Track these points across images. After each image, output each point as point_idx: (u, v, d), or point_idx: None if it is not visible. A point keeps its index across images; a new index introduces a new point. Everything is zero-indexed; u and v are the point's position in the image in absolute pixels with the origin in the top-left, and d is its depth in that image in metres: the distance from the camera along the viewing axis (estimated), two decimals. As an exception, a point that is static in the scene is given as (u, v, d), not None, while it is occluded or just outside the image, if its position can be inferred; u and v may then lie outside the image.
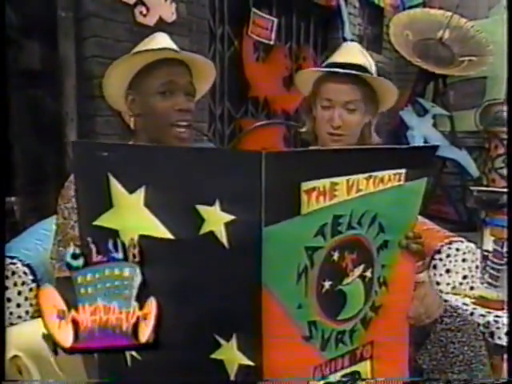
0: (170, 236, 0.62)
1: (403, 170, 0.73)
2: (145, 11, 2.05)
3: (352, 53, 1.26)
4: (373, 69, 1.24)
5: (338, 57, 1.25)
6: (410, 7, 3.96)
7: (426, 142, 3.45)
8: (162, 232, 0.62)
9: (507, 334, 1.21)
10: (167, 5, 2.15)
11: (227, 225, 0.59)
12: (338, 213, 0.65)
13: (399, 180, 0.72)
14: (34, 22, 1.90)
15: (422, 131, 3.42)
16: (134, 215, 0.64)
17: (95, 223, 0.67)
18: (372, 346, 0.78)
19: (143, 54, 1.06)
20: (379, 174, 0.69)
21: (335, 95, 1.18)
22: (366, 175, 0.68)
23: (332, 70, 1.20)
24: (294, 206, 0.60)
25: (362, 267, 0.71)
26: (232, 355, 0.61)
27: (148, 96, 1.05)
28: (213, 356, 0.62)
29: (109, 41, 1.96)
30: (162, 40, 1.11)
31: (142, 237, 0.63)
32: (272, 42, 2.97)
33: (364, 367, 0.77)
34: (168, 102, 1.04)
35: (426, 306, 0.89)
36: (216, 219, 0.59)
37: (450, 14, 3.50)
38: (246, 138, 2.78)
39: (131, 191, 0.63)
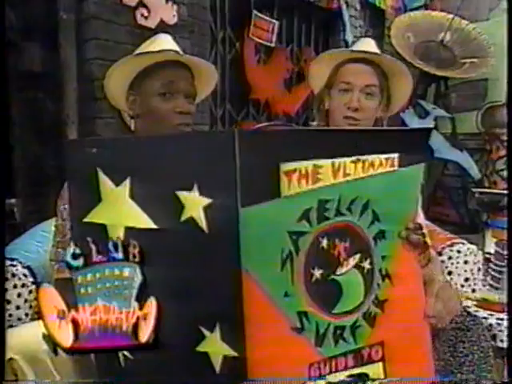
0: (153, 226, 0.62)
1: (395, 155, 0.70)
2: (146, 13, 2.05)
3: (369, 44, 1.30)
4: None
5: (356, 47, 1.30)
6: (412, 9, 3.96)
7: (427, 144, 3.45)
8: (147, 222, 0.63)
9: (508, 334, 1.20)
10: (168, 7, 2.15)
11: (205, 209, 0.58)
12: (324, 197, 0.63)
13: (392, 165, 0.70)
14: (35, 24, 1.90)
15: (423, 133, 3.42)
16: (120, 208, 0.65)
17: (85, 220, 0.67)
18: (383, 347, 0.73)
19: (145, 56, 1.06)
20: (369, 157, 0.67)
21: (355, 78, 1.20)
22: (354, 158, 0.65)
23: (353, 50, 1.25)
24: (274, 187, 0.59)
25: (357, 257, 0.69)
26: (216, 347, 0.59)
27: (149, 97, 1.05)
28: (198, 348, 0.60)
29: (110, 43, 1.96)
30: (164, 41, 1.12)
31: (128, 229, 0.64)
32: (273, 45, 2.97)
33: (376, 369, 0.73)
34: (168, 103, 1.04)
35: (443, 301, 0.86)
36: (195, 204, 0.59)
37: (451, 16, 3.50)
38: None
39: (117, 184, 0.65)
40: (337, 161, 0.63)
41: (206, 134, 0.60)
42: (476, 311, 1.34)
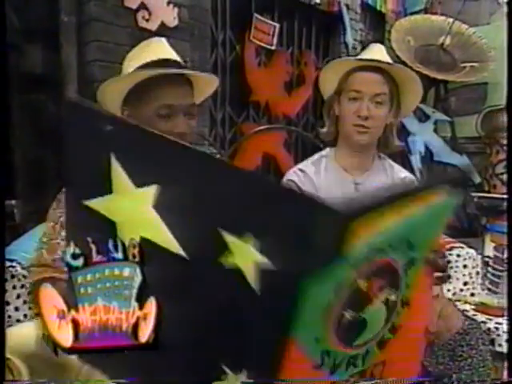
0: (181, 253, 0.54)
1: (445, 187, 0.66)
2: (147, 16, 2.06)
3: (379, 51, 1.29)
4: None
5: (365, 54, 1.29)
6: (412, 13, 3.97)
7: (427, 147, 3.46)
8: (172, 245, 0.55)
9: (508, 334, 1.20)
10: (169, 10, 2.15)
11: (258, 265, 0.51)
12: (374, 241, 0.57)
13: (438, 197, 0.66)
14: (36, 26, 1.91)
15: (423, 137, 3.43)
16: (138, 214, 0.56)
17: (87, 203, 0.59)
18: (384, 365, 0.72)
19: (139, 72, 0.98)
20: (423, 193, 0.63)
21: (365, 86, 1.20)
22: (412, 197, 0.60)
23: (362, 59, 1.24)
24: (338, 248, 0.52)
25: (388, 291, 0.65)
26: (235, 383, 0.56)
27: (145, 116, 0.98)
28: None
29: (111, 45, 1.96)
30: (159, 48, 1.04)
31: (144, 240, 0.57)
32: (274, 47, 2.97)
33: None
34: (167, 124, 0.98)
35: (444, 319, 0.88)
36: (246, 256, 0.51)
37: (451, 20, 3.51)
38: (247, 143, 2.79)
39: (139, 185, 0.56)
40: (397, 203, 0.58)
41: (287, 188, 0.52)
42: (474, 315, 1.34)
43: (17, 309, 1.15)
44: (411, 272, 0.69)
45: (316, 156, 1.34)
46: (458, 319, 0.91)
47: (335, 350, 0.62)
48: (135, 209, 0.56)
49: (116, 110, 1.04)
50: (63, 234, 0.94)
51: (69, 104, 0.59)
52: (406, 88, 1.25)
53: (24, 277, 1.16)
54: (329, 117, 1.31)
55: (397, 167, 1.35)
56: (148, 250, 0.57)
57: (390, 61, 1.25)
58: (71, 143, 0.60)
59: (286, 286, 0.50)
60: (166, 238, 0.55)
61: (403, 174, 1.34)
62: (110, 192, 0.57)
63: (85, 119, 0.57)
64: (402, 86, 1.24)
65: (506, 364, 1.21)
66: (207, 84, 1.13)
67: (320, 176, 1.28)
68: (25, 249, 1.25)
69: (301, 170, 1.30)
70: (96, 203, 0.59)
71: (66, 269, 0.75)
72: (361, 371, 0.69)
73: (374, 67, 1.20)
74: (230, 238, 0.51)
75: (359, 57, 1.31)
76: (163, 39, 1.09)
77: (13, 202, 1.51)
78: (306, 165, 1.32)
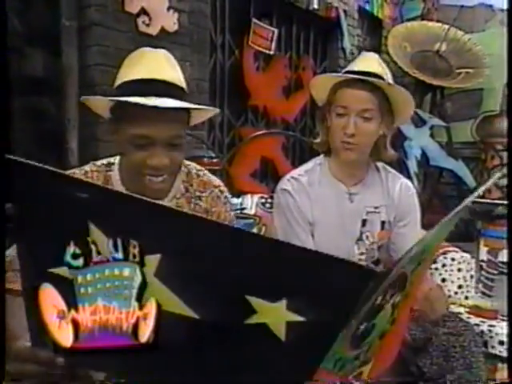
0: (192, 315, 0.53)
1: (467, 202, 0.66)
2: (147, 21, 2.08)
3: (369, 62, 1.24)
4: (389, 78, 1.22)
5: (355, 65, 1.23)
6: (408, 19, 4.01)
7: (423, 152, 3.49)
8: (181, 308, 0.53)
9: (508, 336, 1.22)
10: (169, 15, 2.18)
11: (291, 323, 0.51)
12: (400, 265, 0.58)
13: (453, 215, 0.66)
14: (38, 30, 1.93)
15: (419, 142, 3.46)
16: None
17: (53, 271, 0.56)
18: (380, 349, 0.73)
19: (116, 98, 0.88)
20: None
21: (351, 102, 1.16)
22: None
23: (348, 76, 1.18)
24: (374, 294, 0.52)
25: (397, 295, 0.66)
26: None
27: (121, 137, 0.90)
28: None
29: (111, 49, 1.98)
30: (150, 65, 0.90)
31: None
32: (272, 52, 3.00)
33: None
34: (141, 154, 0.88)
35: (430, 301, 0.88)
36: (277, 316, 0.51)
37: (447, 26, 3.55)
38: (245, 147, 2.81)
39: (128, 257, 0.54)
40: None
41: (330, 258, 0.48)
42: (468, 318, 1.36)
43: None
44: (416, 271, 0.70)
45: (310, 164, 1.32)
46: (443, 304, 0.92)
47: (346, 355, 0.63)
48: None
49: (104, 114, 0.97)
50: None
51: (37, 170, 0.52)
52: (397, 101, 1.21)
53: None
54: (322, 126, 1.28)
55: (392, 175, 1.33)
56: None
57: (380, 72, 1.20)
58: (38, 209, 0.56)
59: (320, 337, 0.50)
60: (176, 304, 0.53)
61: (399, 181, 1.32)
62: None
63: (57, 186, 0.53)
64: (392, 98, 1.21)
65: (501, 365, 1.24)
66: (202, 114, 1.03)
67: (314, 186, 1.26)
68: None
69: (294, 178, 1.28)
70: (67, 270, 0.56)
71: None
72: (362, 362, 0.70)
73: (363, 81, 1.16)
74: (258, 303, 0.50)
75: (348, 68, 1.25)
76: (163, 52, 0.95)
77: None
78: (301, 173, 1.29)
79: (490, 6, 3.82)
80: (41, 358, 0.57)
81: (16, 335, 0.66)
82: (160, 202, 0.53)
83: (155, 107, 0.83)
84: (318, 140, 1.31)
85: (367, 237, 1.26)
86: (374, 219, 1.27)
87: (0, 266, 0.94)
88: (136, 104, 0.84)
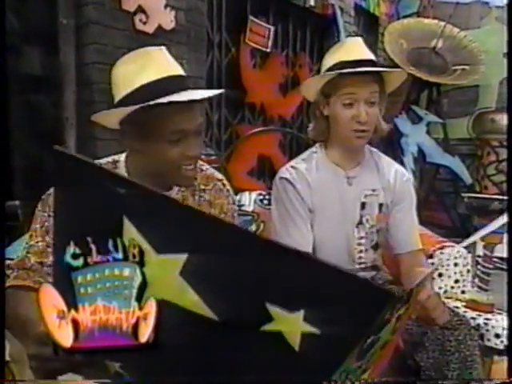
0: (213, 317, 0.53)
1: None
2: (144, 19, 2.08)
3: (358, 48, 1.25)
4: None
5: (346, 54, 1.23)
6: (404, 16, 4.02)
7: (419, 148, 3.51)
8: (203, 310, 0.54)
9: (508, 336, 1.23)
10: (166, 12, 2.18)
11: (306, 334, 0.51)
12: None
13: None
14: (35, 28, 1.92)
15: (415, 138, 3.48)
16: (159, 277, 0.55)
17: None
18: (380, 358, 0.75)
19: (148, 103, 0.86)
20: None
21: (358, 91, 1.17)
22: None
23: (353, 70, 1.17)
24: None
25: (403, 308, 0.66)
26: None
27: (155, 140, 0.91)
28: None
29: (109, 48, 1.98)
30: (161, 62, 0.92)
31: (165, 302, 0.55)
32: (269, 50, 3.00)
33: None
34: (179, 148, 0.92)
35: (429, 309, 0.87)
36: (292, 326, 0.51)
37: (443, 23, 3.56)
38: (243, 145, 2.82)
39: (161, 251, 0.54)
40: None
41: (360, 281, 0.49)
42: (465, 312, 1.38)
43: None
44: (426, 299, 0.73)
45: (307, 153, 1.34)
46: (441, 312, 0.92)
47: (350, 367, 0.64)
48: (157, 274, 0.55)
49: (114, 126, 0.97)
50: (47, 239, 0.92)
51: (74, 161, 0.53)
52: (391, 79, 1.24)
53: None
54: (316, 117, 1.29)
55: (387, 160, 1.35)
56: (170, 313, 0.55)
57: (371, 57, 1.23)
58: (75, 201, 0.56)
59: (334, 351, 0.51)
60: (197, 304, 0.54)
61: (393, 166, 1.34)
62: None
63: (92, 178, 0.54)
64: (387, 78, 1.23)
65: (497, 358, 1.26)
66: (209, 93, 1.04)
67: (312, 172, 1.28)
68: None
69: (293, 167, 1.29)
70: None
71: (50, 273, 0.74)
72: (363, 370, 0.70)
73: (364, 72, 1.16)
74: (276, 311, 0.51)
75: (339, 57, 1.22)
76: (164, 50, 0.95)
77: (17, 202, 1.52)
78: (298, 162, 1.31)
79: (486, 2, 3.84)
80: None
81: (34, 322, 0.67)
82: (186, 203, 0.54)
83: (186, 101, 0.87)
84: (313, 132, 1.32)
85: (367, 220, 1.28)
86: (372, 202, 1.29)
87: (0, 266, 0.96)
88: (168, 103, 0.85)
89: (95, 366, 0.60)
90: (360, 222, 1.28)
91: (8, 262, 1.17)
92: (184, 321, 0.55)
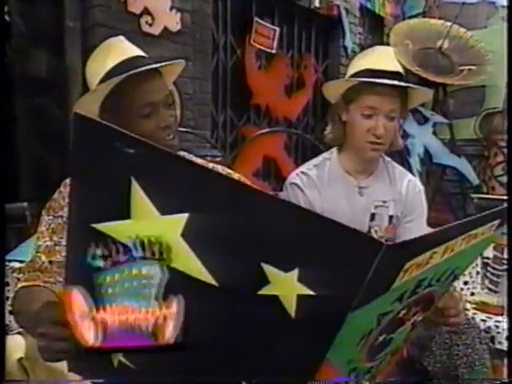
0: (213, 282, 0.52)
1: (496, 222, 0.65)
2: (150, 21, 2.09)
3: (388, 58, 1.22)
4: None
5: (374, 62, 1.20)
6: (410, 17, 4.01)
7: (426, 149, 3.49)
8: (203, 275, 0.52)
9: (508, 336, 1.22)
10: (172, 14, 2.18)
11: (301, 297, 0.50)
12: (424, 277, 0.57)
13: (489, 231, 0.64)
14: (42, 31, 1.93)
15: (422, 139, 3.46)
16: (162, 237, 0.54)
17: (99, 227, 0.55)
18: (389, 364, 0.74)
19: (111, 80, 0.93)
20: (474, 231, 0.61)
21: (379, 104, 1.15)
22: (465, 235, 0.59)
23: (377, 80, 1.15)
24: (388, 284, 0.51)
25: (420, 314, 0.65)
26: None
27: (127, 118, 0.94)
28: None
29: (114, 50, 1.98)
30: (121, 48, 1.01)
31: (169, 268, 0.54)
32: (274, 51, 3.00)
33: None
34: (151, 121, 0.95)
35: (445, 307, 0.85)
36: (288, 288, 0.50)
37: (449, 23, 3.54)
38: (248, 146, 2.81)
39: (163, 212, 0.52)
40: (451, 242, 0.57)
41: (351, 232, 0.46)
42: (475, 314, 1.36)
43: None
44: (443, 294, 0.69)
45: (319, 158, 1.32)
46: (457, 314, 0.88)
47: (361, 366, 0.63)
48: (160, 237, 0.54)
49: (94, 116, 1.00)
50: (55, 238, 0.93)
51: (84, 120, 0.52)
52: (415, 95, 1.22)
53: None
54: (334, 122, 1.27)
55: (399, 170, 1.33)
56: (175, 279, 0.54)
57: (398, 69, 1.19)
58: (84, 161, 0.55)
59: (330, 316, 0.49)
60: (196, 268, 0.53)
61: (406, 177, 1.32)
62: (128, 217, 0.54)
63: (103, 138, 0.53)
64: (412, 93, 1.21)
65: (506, 363, 1.24)
66: (174, 69, 1.09)
67: (323, 180, 1.26)
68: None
69: (304, 173, 1.27)
70: (108, 227, 0.55)
71: (62, 272, 0.74)
72: (373, 376, 0.70)
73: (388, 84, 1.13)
74: (272, 272, 0.50)
75: (366, 65, 1.19)
76: (122, 37, 1.05)
77: (24, 204, 1.52)
78: (309, 168, 1.29)
79: (493, 2, 3.81)
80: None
81: (45, 309, 0.69)
82: (189, 157, 0.53)
83: (144, 75, 0.93)
84: (330, 135, 1.30)
85: (376, 231, 1.26)
86: (382, 213, 1.27)
87: (0, 266, 0.96)
88: (130, 79, 0.92)
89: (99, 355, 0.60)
90: (368, 233, 1.26)
91: (18, 264, 1.17)
92: (186, 286, 0.54)
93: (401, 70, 1.20)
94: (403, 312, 0.59)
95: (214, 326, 0.56)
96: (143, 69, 0.93)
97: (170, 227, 0.52)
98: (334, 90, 1.26)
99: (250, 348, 0.56)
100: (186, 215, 0.51)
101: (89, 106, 0.97)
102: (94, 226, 0.55)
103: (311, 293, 0.50)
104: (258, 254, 0.51)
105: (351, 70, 1.25)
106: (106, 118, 0.96)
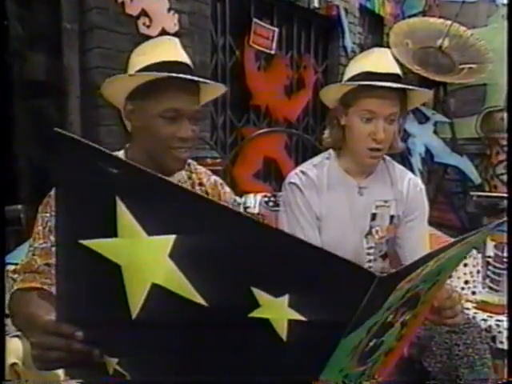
0: (201, 301, 0.52)
1: (491, 226, 0.65)
2: (148, 22, 2.08)
3: (385, 60, 1.19)
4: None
5: (371, 65, 1.17)
6: (410, 16, 4.00)
7: (427, 148, 3.47)
8: (191, 294, 0.52)
9: (508, 335, 1.21)
10: (170, 16, 2.18)
11: (292, 322, 0.50)
12: (412, 285, 0.56)
13: (483, 235, 0.65)
14: (39, 33, 1.93)
15: (423, 138, 3.44)
16: (149, 259, 0.53)
17: (85, 243, 0.54)
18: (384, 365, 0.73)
19: (147, 74, 0.94)
20: (469, 238, 0.59)
21: (379, 108, 1.12)
22: (458, 245, 0.58)
23: (375, 83, 1.12)
24: (381, 304, 0.51)
25: (407, 313, 0.64)
26: None
27: (149, 115, 0.95)
28: None
29: (112, 52, 1.99)
30: (171, 48, 1.01)
31: (155, 286, 0.53)
32: (273, 52, 3.00)
33: None
34: (171, 127, 0.95)
35: (444, 307, 0.83)
36: (278, 312, 0.50)
37: (449, 22, 3.53)
38: (248, 147, 2.81)
39: (151, 232, 0.52)
40: (448, 251, 0.56)
41: (342, 262, 0.46)
42: (476, 313, 1.35)
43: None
44: (430, 291, 0.69)
45: (319, 158, 1.31)
46: (456, 314, 0.87)
47: (353, 371, 0.62)
48: (147, 256, 0.53)
49: (119, 104, 1.01)
50: (52, 238, 0.91)
51: (67, 139, 0.51)
52: (415, 96, 1.21)
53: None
54: (332, 126, 1.25)
55: (400, 169, 1.32)
56: (161, 296, 0.54)
57: (397, 71, 1.16)
58: (69, 178, 0.55)
59: (323, 340, 0.49)
60: (185, 287, 0.52)
61: (407, 176, 1.30)
62: (114, 235, 0.54)
63: (86, 157, 0.52)
64: (411, 95, 1.19)
65: (506, 363, 1.23)
66: (214, 91, 1.10)
67: (322, 180, 1.25)
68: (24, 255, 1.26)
69: (303, 172, 1.26)
70: (96, 244, 0.55)
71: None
72: (367, 376, 0.69)
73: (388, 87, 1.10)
74: (262, 296, 0.50)
75: (364, 67, 1.16)
76: (176, 39, 1.05)
77: (19, 206, 1.52)
78: (309, 167, 1.28)
79: (493, 0, 3.80)
80: (63, 331, 0.58)
81: (41, 315, 0.70)
82: (176, 182, 0.52)
83: (182, 82, 0.93)
84: (329, 140, 1.28)
85: (377, 231, 1.25)
86: (383, 213, 1.26)
87: (0, 267, 0.95)
88: (166, 80, 0.92)
89: (94, 362, 0.59)
90: (369, 233, 1.25)
91: (14, 266, 1.17)
92: (175, 305, 0.54)
93: (399, 71, 1.18)
94: (391, 316, 0.58)
95: (204, 348, 0.55)
96: (186, 76, 0.93)
97: (158, 248, 0.52)
98: (331, 95, 1.24)
99: (239, 370, 0.55)
100: (172, 237, 0.51)
101: (118, 87, 0.98)
102: (81, 242, 0.55)
103: (302, 318, 0.49)
104: (247, 278, 0.50)
105: (349, 73, 1.23)
106: (129, 106, 0.98)
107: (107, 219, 0.53)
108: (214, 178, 1.15)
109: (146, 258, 0.54)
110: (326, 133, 1.29)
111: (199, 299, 0.52)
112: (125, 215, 0.52)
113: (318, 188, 1.24)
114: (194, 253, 0.51)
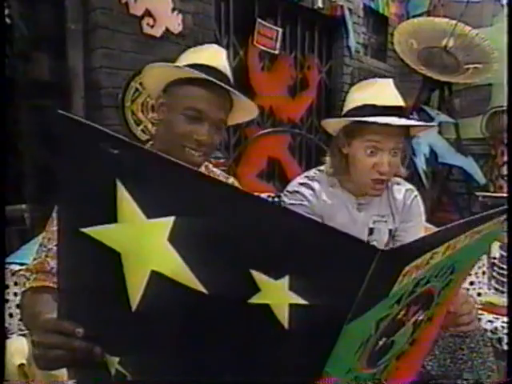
0: (201, 289, 0.50)
1: (502, 217, 0.63)
2: (152, 22, 2.09)
3: (389, 92, 1.16)
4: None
5: (374, 97, 1.14)
6: (415, 16, 3.99)
7: (431, 149, 3.45)
8: (191, 281, 0.51)
9: (508, 334, 1.20)
10: (174, 16, 2.18)
11: (293, 306, 0.48)
12: (423, 276, 0.54)
13: (495, 226, 0.62)
14: (43, 34, 1.94)
15: (427, 139, 3.42)
16: (148, 244, 0.52)
17: (85, 230, 0.53)
18: (396, 370, 0.71)
19: (185, 70, 0.95)
20: (478, 227, 0.59)
21: (383, 142, 1.10)
22: (469, 233, 0.56)
23: (381, 120, 1.08)
24: (387, 291, 0.48)
25: (420, 313, 0.62)
26: None
27: (173, 110, 0.96)
28: None
29: (116, 52, 1.99)
30: (215, 57, 1.01)
31: (154, 273, 0.52)
32: (277, 52, 2.99)
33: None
34: (189, 126, 0.95)
35: (459, 312, 0.81)
36: (279, 296, 0.48)
37: (454, 22, 3.51)
38: (252, 147, 2.80)
39: (150, 215, 0.51)
40: (452, 241, 0.55)
41: (340, 235, 0.44)
42: (481, 314, 1.34)
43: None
44: (445, 292, 0.67)
45: (319, 173, 1.29)
46: (472, 320, 0.84)
47: (362, 374, 0.60)
48: (146, 241, 0.52)
49: (154, 94, 1.03)
50: None
51: (68, 120, 0.50)
52: (417, 129, 1.20)
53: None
54: (334, 154, 1.23)
55: (397, 180, 1.30)
56: (160, 284, 0.52)
57: (400, 103, 1.14)
58: (69, 163, 0.53)
59: (326, 327, 0.47)
60: (184, 274, 0.51)
61: (402, 189, 1.29)
62: (114, 221, 0.52)
63: (87, 139, 0.51)
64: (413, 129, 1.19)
65: (506, 363, 1.21)
66: (246, 109, 1.09)
67: (322, 194, 1.24)
68: (35, 253, 1.26)
69: (304, 184, 1.26)
70: (96, 231, 0.53)
71: None
72: (377, 380, 0.67)
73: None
74: (262, 279, 0.48)
75: (368, 100, 1.14)
76: (224, 51, 1.06)
77: (23, 206, 1.52)
78: (310, 178, 1.27)
79: (498, 0, 3.78)
80: (63, 328, 0.58)
81: (44, 313, 0.70)
82: (179, 162, 0.51)
83: (215, 88, 0.93)
84: (331, 170, 1.26)
85: None
86: (381, 228, 1.26)
87: (0, 267, 0.95)
88: (201, 81, 0.92)
89: (95, 362, 0.59)
90: None
91: (19, 266, 1.17)
92: (174, 294, 0.52)
93: (402, 103, 1.15)
94: (402, 313, 0.56)
95: (202, 335, 0.54)
96: (223, 85, 0.94)
97: (157, 231, 0.51)
98: (333, 125, 1.23)
99: (241, 359, 0.54)
100: (172, 218, 0.50)
101: (162, 75, 0.99)
102: (82, 230, 0.53)
103: (303, 302, 0.47)
104: (246, 260, 0.49)
105: (350, 104, 1.19)
106: (161, 99, 1.00)
107: (107, 204, 0.51)
108: (230, 180, 1.17)
109: (146, 243, 0.52)
110: (328, 163, 1.27)
111: (198, 286, 0.50)
112: (125, 199, 0.51)
113: (319, 200, 1.24)
114: (193, 235, 0.50)
